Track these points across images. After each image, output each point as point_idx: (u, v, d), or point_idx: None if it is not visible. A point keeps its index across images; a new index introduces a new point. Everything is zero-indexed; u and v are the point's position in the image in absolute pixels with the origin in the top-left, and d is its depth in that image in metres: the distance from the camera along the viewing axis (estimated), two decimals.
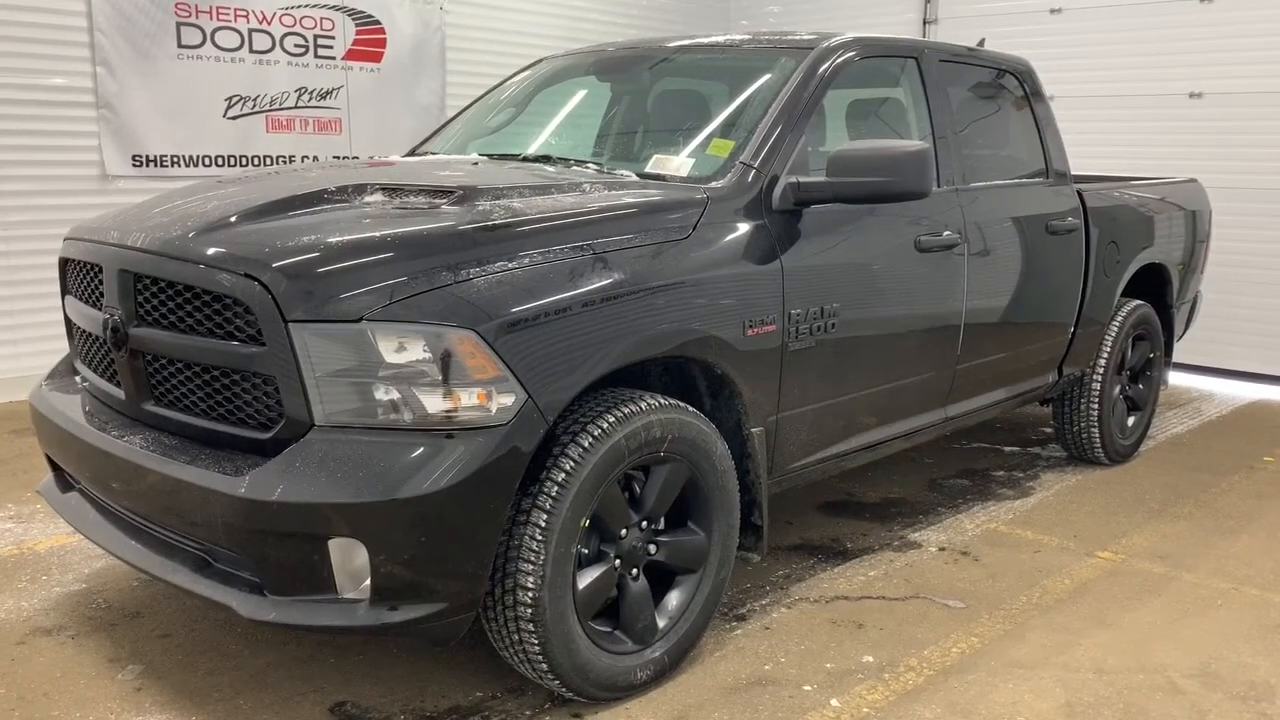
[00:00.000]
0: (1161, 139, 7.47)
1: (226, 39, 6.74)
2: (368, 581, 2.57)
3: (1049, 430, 6.06)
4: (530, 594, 2.72)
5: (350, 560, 2.56)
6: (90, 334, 3.13)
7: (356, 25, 7.33)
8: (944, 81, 4.18)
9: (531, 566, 2.71)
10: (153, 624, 3.43)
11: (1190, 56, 7.36)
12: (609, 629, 3.02)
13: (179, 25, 6.54)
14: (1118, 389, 5.41)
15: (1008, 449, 5.79)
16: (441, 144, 4.28)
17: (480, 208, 2.92)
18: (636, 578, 3.05)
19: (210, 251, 2.68)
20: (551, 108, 4.09)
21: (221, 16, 6.70)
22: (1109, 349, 5.20)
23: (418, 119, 7.71)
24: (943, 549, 4.30)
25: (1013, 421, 6.30)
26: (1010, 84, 4.66)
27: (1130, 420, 5.57)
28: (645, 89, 4.07)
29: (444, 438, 2.57)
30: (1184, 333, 6.15)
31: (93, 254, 3.01)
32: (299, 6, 7.02)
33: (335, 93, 7.29)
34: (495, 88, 4.55)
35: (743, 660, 3.31)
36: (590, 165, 3.58)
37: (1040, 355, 4.75)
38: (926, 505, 4.83)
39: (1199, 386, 7.38)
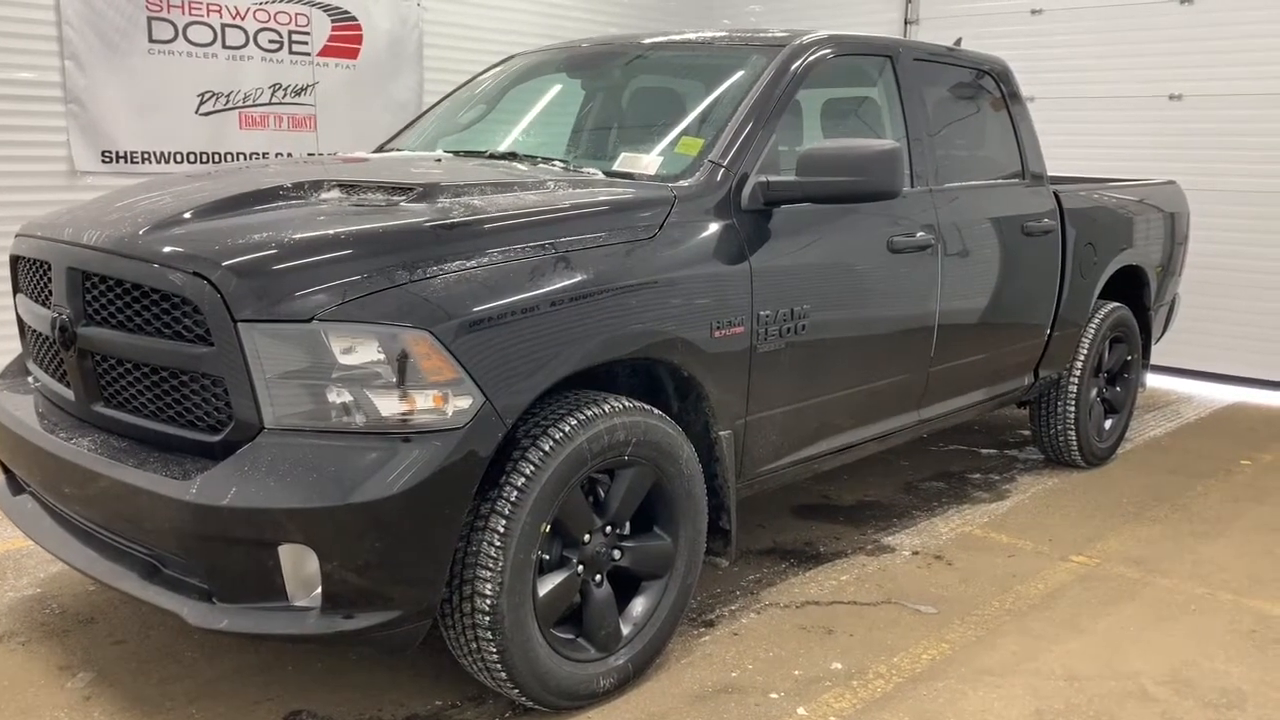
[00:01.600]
0: (1141, 140, 7.44)
1: (199, 34, 6.64)
2: (319, 589, 2.50)
3: (1026, 433, 6.02)
4: (488, 601, 2.65)
5: (301, 567, 2.50)
6: (40, 333, 3.06)
7: (332, 21, 7.24)
8: (919, 81, 4.13)
9: (489, 573, 2.64)
10: (106, 630, 3.35)
11: (1170, 58, 7.34)
12: (571, 636, 2.96)
13: (150, 20, 6.43)
14: (1095, 391, 5.38)
15: (984, 451, 5.75)
16: (410, 141, 4.21)
17: (439, 205, 2.86)
18: (600, 584, 2.99)
19: (158, 249, 2.61)
20: (522, 105, 4.02)
21: (194, 11, 6.60)
22: (1086, 351, 5.17)
23: (394, 116, 7.61)
24: (916, 553, 4.25)
25: (990, 424, 6.26)
26: (987, 84, 4.61)
27: (1108, 423, 5.54)
28: (617, 86, 4.01)
29: (399, 441, 2.50)
30: (1162, 335, 6.12)
31: (42, 251, 2.93)
32: (273, 2, 6.92)
33: (310, 89, 7.19)
34: (465, 84, 4.49)
35: (709, 667, 3.25)
36: (557, 163, 3.51)
37: (1016, 357, 4.71)
38: (901, 508, 4.78)
39: (1177, 389, 7.36)
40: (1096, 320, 5.20)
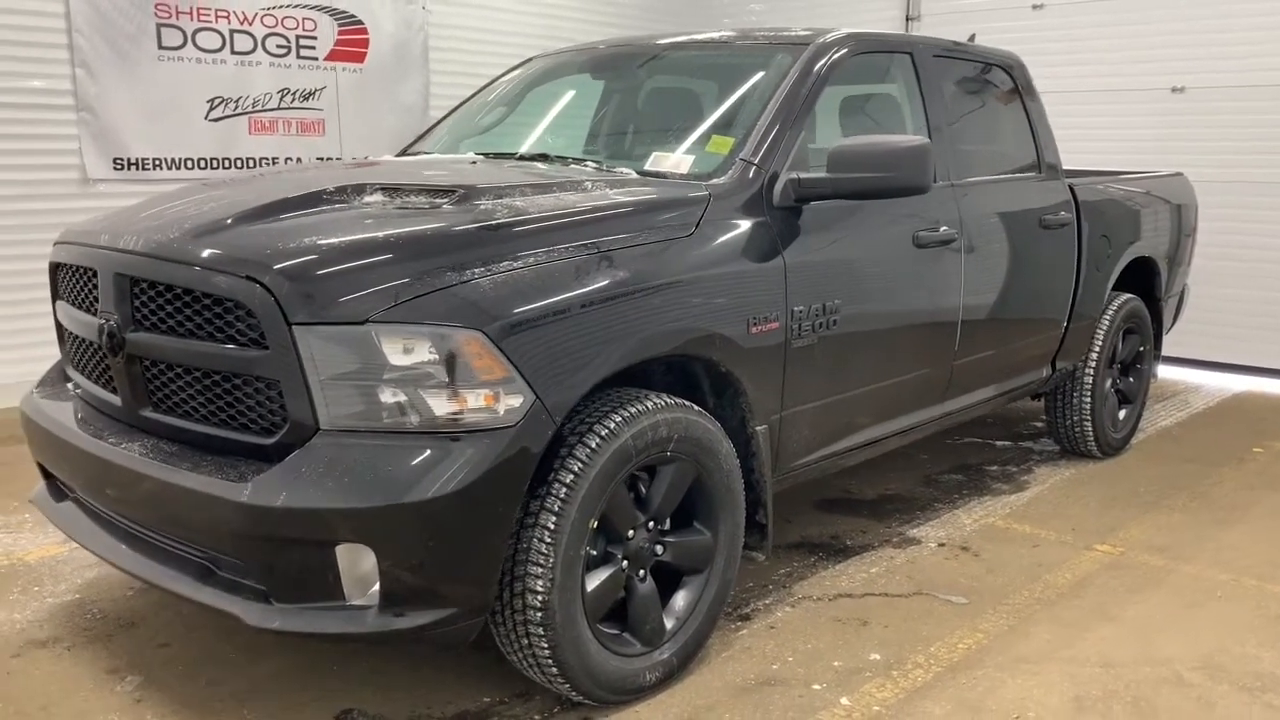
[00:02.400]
0: (1144, 133, 7.50)
1: (208, 40, 6.66)
2: (376, 587, 2.53)
3: (1040, 425, 6.07)
4: (540, 597, 2.68)
5: (358, 566, 2.53)
6: (84, 340, 3.08)
7: (339, 25, 7.27)
8: (938, 77, 4.17)
9: (541, 570, 2.67)
10: (150, 634, 3.37)
11: (1172, 50, 7.40)
12: (616, 631, 2.99)
13: (159, 26, 6.45)
14: (1109, 382, 5.43)
15: (1000, 443, 5.80)
16: (433, 144, 4.24)
17: (483, 207, 2.89)
18: (644, 579, 3.02)
19: (210, 254, 2.63)
20: (545, 106, 4.06)
21: (202, 17, 6.62)
22: (1101, 342, 5.22)
23: (401, 119, 7.65)
24: (942, 545, 4.29)
25: (1004, 416, 6.31)
26: (1002, 79, 4.66)
27: (1121, 413, 5.59)
28: (639, 86, 4.04)
29: (452, 440, 2.53)
30: (1172, 325, 6.18)
31: (87, 258, 2.95)
32: (280, 6, 6.95)
33: (318, 93, 7.22)
34: (485, 87, 4.51)
35: (750, 660, 3.29)
36: (589, 163, 3.54)
37: (1034, 349, 4.76)
38: (923, 501, 4.82)
39: (1185, 379, 7.42)
40: (1110, 312, 5.25)
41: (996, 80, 4.63)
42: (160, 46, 6.47)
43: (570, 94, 4.16)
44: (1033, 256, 4.50)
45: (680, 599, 3.14)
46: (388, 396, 2.51)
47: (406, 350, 2.51)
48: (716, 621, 3.24)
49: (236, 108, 6.84)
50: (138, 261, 2.76)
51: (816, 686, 3.14)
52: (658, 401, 2.91)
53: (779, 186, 3.34)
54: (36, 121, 6.07)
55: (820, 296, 3.39)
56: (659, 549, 3.05)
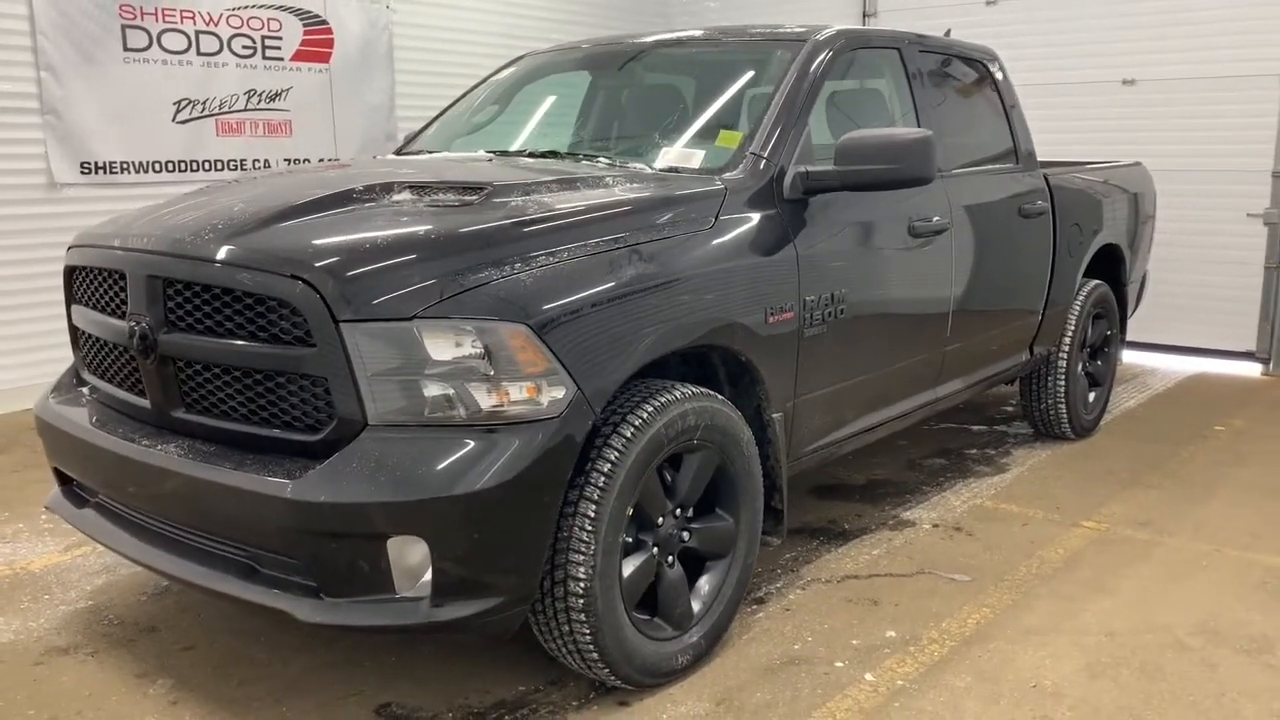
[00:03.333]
0: (1098, 124, 7.73)
1: (173, 41, 6.59)
2: (427, 579, 2.57)
3: (1011, 409, 6.25)
4: (582, 584, 2.74)
5: (409, 558, 2.56)
6: (107, 343, 3.06)
7: (304, 25, 7.22)
8: (924, 71, 4.29)
9: (582, 557, 2.73)
10: (173, 637, 3.36)
11: (1122, 44, 7.64)
12: (648, 616, 3.05)
13: (124, 28, 6.37)
14: (1080, 366, 5.61)
15: (976, 428, 5.96)
16: (432, 142, 4.25)
17: (514, 203, 2.94)
18: (672, 565, 3.09)
19: (251, 254, 2.65)
20: (544, 104, 4.10)
21: (167, 18, 6.54)
22: (1074, 328, 5.39)
23: (368, 119, 7.63)
24: (936, 525, 4.42)
25: (978, 402, 6.47)
26: (980, 71, 4.80)
27: (1091, 396, 5.78)
28: (638, 84, 4.11)
29: (499, 432, 2.58)
30: (1134, 310, 6.39)
31: (113, 261, 2.94)
32: (246, 7, 6.89)
33: (284, 94, 7.17)
34: (477, 86, 4.54)
35: (771, 641, 3.37)
36: (601, 160, 3.60)
37: (1015, 335, 4.91)
38: (911, 485, 4.95)
39: (1142, 362, 7.67)
40: (1081, 297, 5.43)
41: (975, 73, 4.77)
42: (126, 48, 6.39)
43: (567, 92, 4.21)
44: (1015, 245, 4.65)
45: (705, 583, 3.21)
46: (434, 391, 2.55)
47: (452, 344, 2.55)
48: (739, 605, 3.32)
49: (204, 109, 6.78)
50: (172, 263, 2.76)
51: (839, 664, 3.24)
52: (685, 391, 2.98)
53: (788, 179, 3.43)
54: (1, 126, 5.96)
55: (829, 286, 3.49)
56: (685, 535, 3.12)
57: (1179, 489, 4.91)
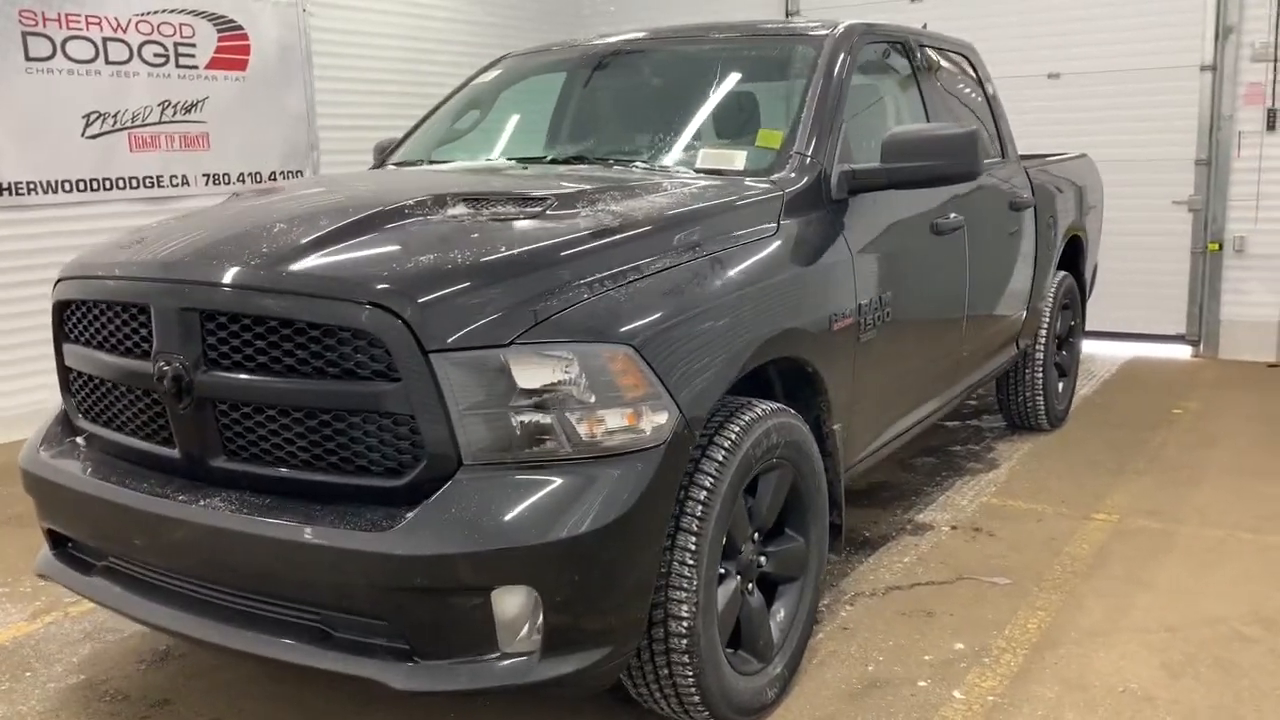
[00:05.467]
0: (1027, 117, 7.79)
1: (79, 49, 6.06)
2: (537, 634, 2.31)
3: (975, 402, 6.25)
4: (685, 623, 2.53)
5: (514, 611, 2.31)
6: (117, 386, 2.70)
7: (218, 31, 6.75)
8: (926, 66, 4.21)
9: (685, 594, 2.52)
10: (191, 711, 3.01)
11: (1046, 39, 7.78)
12: (732, 649, 2.86)
13: (25, 35, 5.82)
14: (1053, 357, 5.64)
15: (950, 424, 5.93)
16: (432, 152, 3.94)
17: (584, 214, 2.70)
18: (752, 592, 2.90)
19: (316, 280, 2.35)
20: (547, 107, 3.85)
21: (72, 24, 6.01)
22: (1048, 319, 5.40)
23: (289, 129, 7.19)
24: (955, 527, 4.34)
25: None
26: (965, 66, 4.75)
27: (1060, 386, 5.82)
28: (651, 84, 3.88)
29: (603, 465, 2.35)
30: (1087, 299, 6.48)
31: (128, 292, 2.59)
32: (156, 12, 6.39)
33: (200, 105, 6.68)
34: (459, 90, 4.25)
35: (843, 664, 3.21)
36: (638, 164, 3.38)
37: (1010, 329, 4.88)
38: (912, 486, 4.87)
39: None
40: (1054, 289, 5.45)
41: (962, 67, 4.72)
42: (28, 57, 5.84)
43: (574, 93, 3.97)
44: (1010, 238, 4.62)
45: (781, 609, 3.04)
46: (534, 423, 2.31)
47: (551, 371, 2.31)
48: (813, 629, 3.15)
49: (115, 123, 6.26)
50: (212, 293, 2.43)
51: (922, 683, 3.10)
52: (765, 407, 2.80)
53: (834, 178, 3.28)
54: None
55: (878, 288, 3.36)
56: (762, 560, 2.94)
57: (1167, 475, 4.96)
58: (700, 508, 2.54)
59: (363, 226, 2.56)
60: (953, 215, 3.96)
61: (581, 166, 3.40)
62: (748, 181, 3.16)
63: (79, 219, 6.07)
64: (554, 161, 3.50)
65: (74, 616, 3.63)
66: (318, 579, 2.32)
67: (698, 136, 3.52)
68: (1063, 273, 5.59)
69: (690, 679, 2.58)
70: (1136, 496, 4.66)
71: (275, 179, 7.12)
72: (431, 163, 3.81)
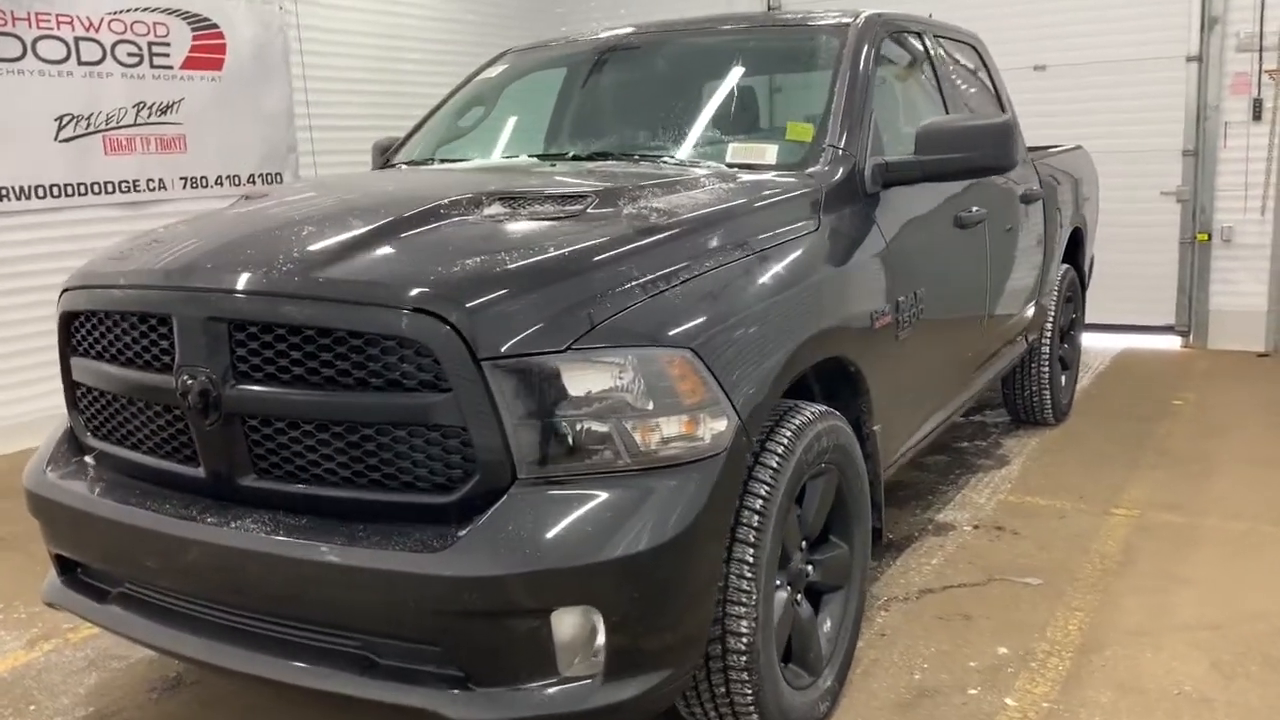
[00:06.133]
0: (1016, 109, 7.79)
1: (50, 49, 5.84)
2: (597, 656, 2.19)
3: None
4: (744, 639, 2.41)
5: (575, 632, 2.18)
6: (134, 402, 2.54)
7: (193, 30, 6.54)
8: (942, 55, 4.12)
9: (744, 609, 2.40)
10: None
11: (1031, 31, 7.74)
12: (783, 663, 2.74)
13: None
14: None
15: (956, 420, 5.84)
16: (429, 149, 3.79)
17: (627, 212, 2.57)
18: (800, 603, 2.79)
19: (357, 285, 2.20)
20: (560, 103, 3.71)
21: (42, 24, 5.79)
22: (1054, 312, 5.35)
23: (267, 129, 7.00)
24: (977, 527, 4.26)
25: None
26: (974, 56, 4.67)
27: (1062, 379, 5.76)
28: (667, 77, 3.75)
29: (663, 476, 2.23)
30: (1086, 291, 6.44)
31: (146, 302, 2.42)
32: (128, 10, 6.17)
33: (176, 106, 6.47)
34: (462, 87, 4.10)
35: (888, 674, 3.12)
36: (664, 159, 3.25)
37: (1023, 323, 4.81)
38: (926, 485, 4.79)
39: None
40: (1058, 281, 5.39)
41: (972, 58, 4.64)
42: None
43: (584, 89, 3.84)
44: (1024, 231, 4.55)
45: (826, 620, 2.93)
46: (592, 432, 2.18)
47: (608, 378, 2.18)
48: (858, 638, 3.05)
49: (89, 126, 6.04)
50: (243, 302, 2.28)
51: (972, 691, 3.01)
52: (814, 410, 2.69)
53: (867, 172, 3.17)
54: None
55: (911, 285, 3.26)
56: (809, 568, 2.83)
57: (1179, 468, 4.91)
58: (757, 518, 2.43)
59: (398, 228, 2.42)
60: (974, 208, 3.87)
61: (607, 163, 3.26)
62: (782, 176, 3.05)
63: (53, 225, 5.85)
64: (576, 158, 3.36)
65: (75, 644, 3.45)
66: (364, 603, 2.18)
67: (721, 130, 3.40)
68: (1065, 265, 5.53)
69: (749, 697, 2.47)
70: (1153, 490, 4.61)
71: (254, 182, 6.92)
72: (443, 162, 3.65)
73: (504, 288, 2.19)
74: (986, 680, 3.06)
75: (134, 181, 6.26)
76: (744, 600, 2.40)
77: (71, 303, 2.64)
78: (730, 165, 3.15)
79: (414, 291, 2.15)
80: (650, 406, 2.21)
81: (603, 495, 2.18)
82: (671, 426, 2.23)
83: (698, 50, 3.75)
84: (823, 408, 2.74)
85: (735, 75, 3.56)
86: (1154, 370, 6.96)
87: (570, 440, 2.17)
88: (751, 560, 2.40)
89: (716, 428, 2.29)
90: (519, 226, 2.48)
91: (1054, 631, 3.35)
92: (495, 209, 2.58)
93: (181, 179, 6.52)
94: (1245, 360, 7.22)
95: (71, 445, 2.80)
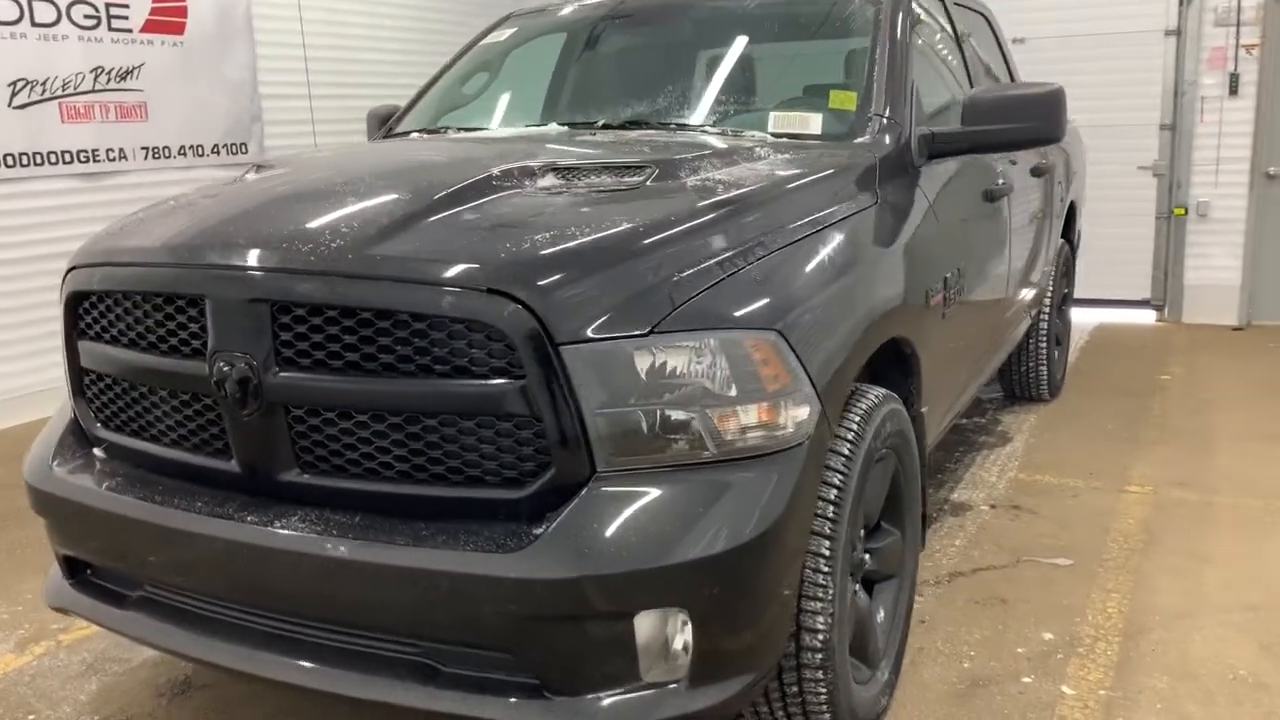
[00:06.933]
0: None
1: (2, 10, 5.48)
2: (681, 660, 2.04)
3: None
4: (819, 636, 2.29)
5: (659, 635, 2.04)
6: (154, 391, 2.33)
7: None
8: (963, 26, 4.00)
9: (820, 604, 2.27)
10: None
11: (1013, 3, 7.63)
12: None
13: None
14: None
15: None
16: (441, 117, 3.58)
17: (691, 184, 2.41)
18: (857, 593, 2.68)
19: (420, 264, 2.02)
20: (587, 70, 3.52)
21: None
22: (1052, 287, 5.29)
23: (230, 98, 6.69)
24: (993, 506, 4.19)
25: None
26: (987, 27, 4.56)
27: (1055, 354, 5.72)
28: (695, 43, 3.56)
29: (748, 466, 2.08)
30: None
31: (176, 282, 2.21)
32: None
33: (136, 72, 6.14)
34: (465, 53, 3.88)
35: (936, 663, 3.02)
36: (705, 128, 3.08)
37: (1031, 298, 4.74)
38: (934, 463, 4.70)
39: None
40: (1055, 255, 5.34)
41: (984, 29, 4.53)
42: None
43: (601, 55, 3.65)
44: (1034, 205, 4.47)
45: (880, 609, 2.82)
46: (675, 421, 2.03)
47: (690, 362, 2.03)
48: (909, 627, 2.94)
49: (44, 91, 5.69)
50: (290, 280, 2.08)
51: (1026, 679, 2.92)
52: (876, 394, 2.56)
53: (914, 143, 3.05)
54: None
55: (955, 260, 3.15)
56: (866, 558, 2.72)
57: (1181, 443, 4.90)
58: (832, 508, 2.29)
59: (452, 201, 2.23)
60: (1000, 181, 3.77)
61: (646, 132, 3.08)
62: (832, 146, 2.90)
63: (9, 197, 5.53)
64: (607, 126, 3.17)
65: (68, 646, 3.23)
66: (431, 608, 2.01)
67: (756, 97, 3.25)
68: (1060, 239, 5.48)
69: (823, 696, 2.34)
70: (1160, 466, 4.58)
71: (218, 153, 6.61)
72: (462, 130, 3.44)
73: (582, 266, 2.02)
74: (1038, 667, 2.98)
75: (92, 151, 5.93)
76: (820, 595, 2.27)
77: (81, 281, 2.41)
78: (776, 135, 2.99)
79: (486, 270, 1.97)
80: (734, 393, 2.06)
81: (687, 489, 2.03)
82: (755, 414, 2.09)
83: (725, 14, 3.57)
84: (884, 391, 2.61)
85: (765, 41, 3.40)
86: (1134, 345, 6.97)
87: (652, 430, 2.02)
88: (827, 553, 2.27)
89: (799, 415, 2.15)
90: (581, 200, 2.31)
91: (1094, 615, 3.28)
92: (549, 180, 2.40)
93: (142, 149, 6.20)
94: (1221, 334, 7.27)
95: (78, 437, 2.58)
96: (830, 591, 2.28)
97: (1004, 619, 3.26)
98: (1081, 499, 4.24)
